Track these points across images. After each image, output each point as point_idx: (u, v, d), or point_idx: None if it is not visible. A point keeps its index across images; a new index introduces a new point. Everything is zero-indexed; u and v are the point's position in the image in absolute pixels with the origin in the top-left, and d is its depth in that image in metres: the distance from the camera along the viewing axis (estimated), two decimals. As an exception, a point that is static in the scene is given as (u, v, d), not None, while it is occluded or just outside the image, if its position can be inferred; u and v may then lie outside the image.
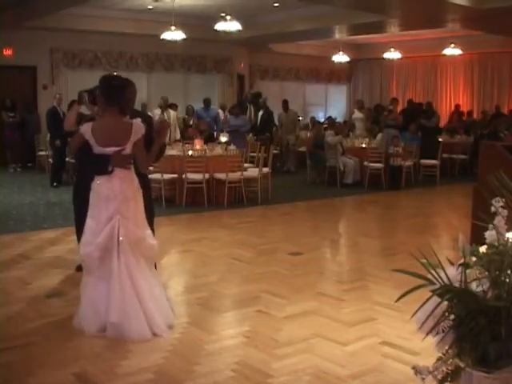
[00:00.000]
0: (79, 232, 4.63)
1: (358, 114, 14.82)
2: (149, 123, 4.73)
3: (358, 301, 5.04)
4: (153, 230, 4.64)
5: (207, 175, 9.53)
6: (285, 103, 14.62)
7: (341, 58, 17.24)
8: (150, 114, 11.76)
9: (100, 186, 4.23)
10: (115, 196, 4.18)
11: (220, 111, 14.60)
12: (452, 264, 2.28)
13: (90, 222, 4.27)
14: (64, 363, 3.78)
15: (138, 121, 4.34)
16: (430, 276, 2.22)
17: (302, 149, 14.12)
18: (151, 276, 4.34)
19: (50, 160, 12.37)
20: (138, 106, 12.27)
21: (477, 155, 6.72)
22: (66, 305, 4.85)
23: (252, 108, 15.02)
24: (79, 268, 5.86)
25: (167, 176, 9.46)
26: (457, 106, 17.29)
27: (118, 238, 4.15)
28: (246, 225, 8.36)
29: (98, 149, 4.22)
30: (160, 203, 9.04)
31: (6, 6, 11.98)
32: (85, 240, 4.28)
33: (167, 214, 8.64)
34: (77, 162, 5.65)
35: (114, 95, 4.27)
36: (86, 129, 4.26)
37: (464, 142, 14.34)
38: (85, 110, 5.12)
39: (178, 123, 13.01)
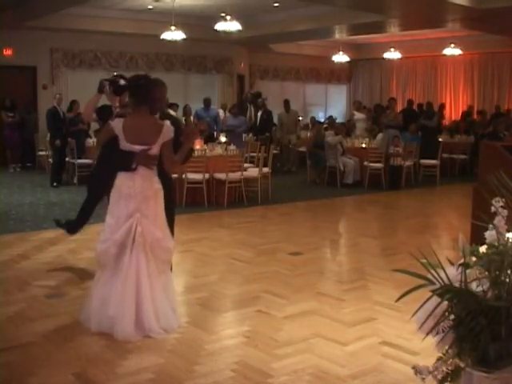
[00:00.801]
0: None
1: (358, 115, 14.83)
2: (177, 126, 4.72)
3: (358, 301, 5.04)
4: (172, 233, 4.63)
5: (207, 175, 9.53)
6: (286, 103, 14.62)
7: (341, 57, 17.24)
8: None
9: (122, 183, 4.26)
10: (136, 194, 4.21)
11: (221, 111, 14.60)
12: (452, 264, 2.28)
13: (109, 220, 4.31)
14: (64, 363, 3.79)
15: (167, 123, 4.36)
16: (429, 276, 2.22)
17: (302, 149, 14.14)
18: (160, 278, 4.31)
19: (50, 160, 12.37)
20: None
21: (477, 155, 6.73)
22: (66, 305, 4.85)
23: (252, 108, 15.02)
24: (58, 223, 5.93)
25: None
26: (470, 108, 17.13)
27: (135, 236, 4.18)
28: (246, 225, 8.36)
29: (125, 145, 4.23)
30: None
31: (6, 6, 11.97)
32: (103, 237, 4.31)
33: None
34: (99, 156, 5.64)
35: (142, 95, 4.30)
36: (116, 124, 4.26)
37: (464, 142, 14.35)
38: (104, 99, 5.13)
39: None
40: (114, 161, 4.36)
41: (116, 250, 4.21)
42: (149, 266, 4.22)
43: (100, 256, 4.31)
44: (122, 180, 4.26)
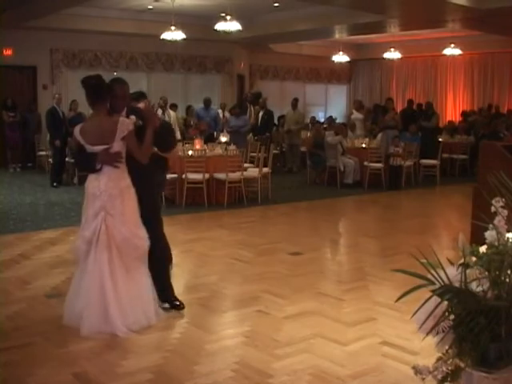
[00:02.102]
0: None
1: (356, 115, 14.82)
2: (141, 117, 4.71)
3: (358, 301, 5.04)
4: (154, 228, 4.57)
5: (207, 175, 9.53)
6: (294, 101, 14.78)
7: (341, 58, 17.24)
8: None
9: (88, 183, 4.40)
10: (100, 193, 4.29)
11: (219, 111, 14.59)
12: (452, 264, 2.28)
13: (82, 218, 4.46)
14: (64, 363, 3.79)
15: (121, 118, 4.38)
16: (430, 276, 2.22)
17: (303, 149, 14.14)
18: (131, 276, 4.32)
19: (50, 160, 12.37)
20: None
21: (477, 155, 6.72)
22: (66, 305, 4.85)
23: (252, 108, 15.02)
24: None
25: (167, 176, 9.44)
26: (490, 105, 17.02)
27: (99, 235, 4.26)
28: (246, 225, 8.36)
29: (88, 148, 4.35)
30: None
31: (6, 6, 11.97)
32: (79, 234, 4.49)
33: (167, 214, 8.59)
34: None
35: (94, 95, 4.35)
36: (76, 130, 4.40)
37: (464, 142, 14.34)
38: None
39: (178, 123, 13.00)
40: (80, 164, 4.57)
41: (85, 246, 4.33)
42: (113, 264, 4.26)
43: (73, 251, 4.55)
44: (90, 180, 4.41)
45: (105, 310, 4.20)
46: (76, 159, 4.91)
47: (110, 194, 4.28)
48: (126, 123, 4.33)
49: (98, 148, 4.29)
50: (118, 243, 4.28)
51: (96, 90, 4.34)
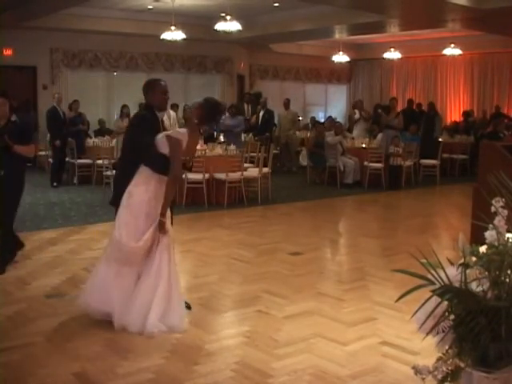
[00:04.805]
0: None
1: (358, 115, 14.81)
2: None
3: (358, 301, 5.04)
4: None
5: (207, 175, 9.53)
6: (287, 101, 14.75)
7: (341, 58, 17.23)
8: None
9: (150, 188, 4.47)
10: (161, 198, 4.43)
11: None
12: (452, 264, 2.28)
13: (132, 223, 4.45)
14: (64, 363, 3.79)
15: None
16: (430, 276, 2.22)
17: (298, 148, 14.21)
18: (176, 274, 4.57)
19: (50, 160, 12.37)
20: (135, 106, 12.34)
21: (477, 155, 6.72)
22: (65, 305, 4.85)
23: (250, 108, 15.01)
24: None
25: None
26: (497, 107, 16.98)
27: (159, 237, 4.38)
28: (246, 225, 8.36)
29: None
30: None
31: (6, 6, 11.97)
32: (135, 237, 4.44)
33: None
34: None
35: (213, 118, 4.73)
36: (182, 138, 4.46)
37: (464, 142, 14.35)
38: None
39: (178, 124, 12.99)
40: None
41: (144, 252, 4.42)
42: (170, 264, 4.43)
43: (128, 253, 4.43)
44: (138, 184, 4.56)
45: (150, 308, 4.27)
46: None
47: (161, 199, 4.42)
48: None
49: (183, 159, 4.56)
50: (172, 243, 4.53)
51: (220, 115, 4.83)
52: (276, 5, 13.29)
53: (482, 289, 2.15)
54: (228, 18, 11.39)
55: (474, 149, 12.86)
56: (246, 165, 10.46)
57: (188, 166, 4.89)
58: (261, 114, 14.17)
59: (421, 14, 12.14)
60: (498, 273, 2.13)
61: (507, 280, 2.13)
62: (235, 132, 12.47)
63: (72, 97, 13.52)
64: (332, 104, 21.79)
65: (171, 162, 4.35)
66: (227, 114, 13.52)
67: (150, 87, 4.71)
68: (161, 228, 4.34)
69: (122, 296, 4.34)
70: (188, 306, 4.70)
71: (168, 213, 4.46)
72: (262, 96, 14.89)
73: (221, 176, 9.61)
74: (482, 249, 2.23)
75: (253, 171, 10.28)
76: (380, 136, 12.51)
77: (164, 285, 4.33)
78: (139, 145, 4.51)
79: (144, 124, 4.62)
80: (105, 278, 4.43)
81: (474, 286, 2.17)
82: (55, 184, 11.52)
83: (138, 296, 4.29)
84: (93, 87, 15.81)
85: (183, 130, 4.55)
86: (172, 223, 4.61)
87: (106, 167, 10.85)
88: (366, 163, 11.86)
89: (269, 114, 14.17)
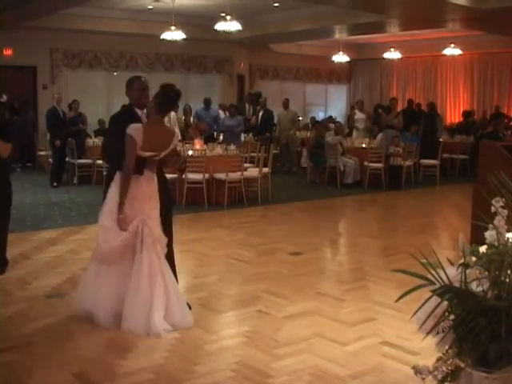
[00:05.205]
0: None
1: (359, 115, 14.82)
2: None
3: (358, 301, 5.04)
4: (171, 229, 4.74)
5: (207, 175, 9.53)
6: (286, 101, 14.73)
7: (341, 58, 17.23)
8: None
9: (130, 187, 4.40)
10: (142, 196, 4.36)
11: (220, 112, 14.54)
12: (452, 264, 2.28)
13: (111, 221, 4.42)
14: (64, 363, 3.78)
15: (176, 131, 4.76)
16: (430, 276, 2.22)
17: (298, 148, 14.22)
18: (170, 275, 4.49)
19: (50, 160, 12.37)
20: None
21: (477, 155, 6.72)
22: (66, 305, 4.84)
23: (251, 108, 15.00)
24: None
25: (167, 176, 9.44)
26: (497, 107, 16.97)
27: (142, 236, 4.31)
28: (246, 225, 8.36)
29: (139, 152, 4.34)
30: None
31: (6, 6, 11.97)
32: (107, 236, 4.43)
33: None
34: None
35: (169, 104, 4.50)
36: (136, 132, 4.29)
37: (464, 142, 14.34)
38: None
39: (178, 123, 13.00)
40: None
41: (126, 248, 4.36)
42: (160, 264, 4.36)
43: (104, 252, 4.44)
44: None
45: (151, 309, 4.24)
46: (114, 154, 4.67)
47: (149, 196, 4.38)
48: (177, 137, 4.61)
49: (148, 154, 4.33)
50: (158, 243, 4.41)
51: (174, 100, 4.49)
52: (276, 5, 13.29)
53: (481, 289, 2.15)
54: (228, 17, 11.39)
55: (474, 149, 12.85)
56: (246, 165, 10.46)
57: (179, 168, 4.84)
58: (260, 114, 14.17)
59: (421, 14, 12.14)
60: (497, 273, 2.13)
61: (507, 280, 2.14)
62: (235, 132, 12.48)
63: (72, 97, 13.51)
64: (332, 104, 21.79)
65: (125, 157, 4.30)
66: (227, 114, 13.54)
67: (129, 84, 4.67)
68: (120, 224, 4.27)
69: (103, 295, 4.35)
70: (188, 307, 4.70)
71: (156, 214, 4.41)
72: (261, 96, 14.88)
73: (221, 176, 9.61)
74: (482, 249, 2.23)
75: (253, 171, 10.28)
76: (380, 136, 12.51)
77: (160, 283, 4.30)
78: (107, 144, 4.56)
79: (112, 123, 4.69)
80: (89, 278, 4.53)
81: (474, 286, 2.17)
82: (55, 184, 11.52)
83: (136, 297, 4.27)
84: (93, 87, 15.82)
85: (138, 125, 4.36)
86: (166, 223, 4.54)
87: (106, 167, 10.83)
88: (365, 163, 11.86)
89: (268, 114, 14.17)
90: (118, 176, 4.40)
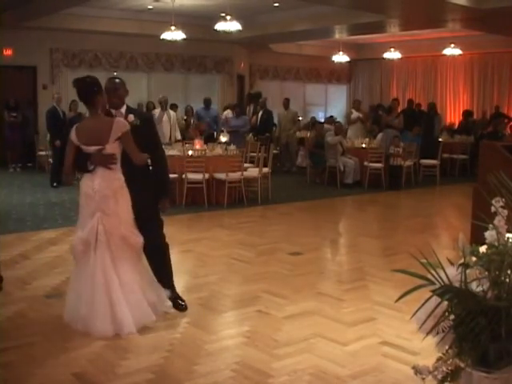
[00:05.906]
0: None
1: (356, 114, 14.81)
2: (146, 119, 4.79)
3: (358, 301, 5.04)
4: (155, 227, 4.69)
5: (207, 175, 9.53)
6: (286, 101, 14.73)
7: (341, 58, 17.22)
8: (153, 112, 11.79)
9: (82, 183, 4.40)
10: (94, 194, 4.28)
11: (229, 112, 14.37)
12: (452, 264, 2.28)
13: (79, 217, 4.48)
14: (64, 363, 3.79)
15: (120, 118, 4.39)
16: (430, 276, 2.22)
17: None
18: (134, 273, 4.36)
19: (50, 160, 12.36)
20: (135, 106, 12.33)
21: (477, 155, 6.72)
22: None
23: (251, 108, 15.00)
24: None
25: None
26: (497, 107, 16.94)
27: (97, 235, 4.25)
28: (246, 225, 8.36)
29: (83, 148, 4.32)
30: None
31: (6, 6, 11.97)
32: (76, 233, 4.47)
33: (167, 214, 8.60)
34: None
35: (84, 94, 4.33)
36: (72, 130, 4.37)
37: (464, 142, 14.34)
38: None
39: (178, 123, 13.00)
40: (78, 164, 4.46)
41: (82, 247, 4.33)
42: (116, 264, 4.27)
43: (71, 251, 4.53)
44: (84, 180, 4.41)
45: (112, 310, 4.18)
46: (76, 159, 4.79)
47: (104, 194, 4.27)
48: (121, 124, 4.30)
49: (93, 148, 4.26)
50: (117, 242, 4.29)
51: (85, 89, 4.30)
52: (276, 5, 13.29)
53: (481, 289, 2.15)
54: (228, 17, 11.38)
55: (474, 149, 12.86)
56: (246, 165, 10.46)
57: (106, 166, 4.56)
58: (260, 114, 14.17)
59: (421, 14, 12.14)
60: (497, 273, 2.13)
61: (507, 280, 2.14)
62: (241, 132, 12.51)
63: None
64: (332, 104, 21.78)
65: None
66: (233, 115, 13.52)
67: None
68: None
69: (74, 295, 4.37)
70: (182, 306, 4.70)
71: (122, 211, 4.33)
72: (261, 96, 14.88)
73: (221, 176, 9.61)
74: (482, 249, 2.23)
75: (253, 171, 10.28)
76: (380, 136, 12.51)
77: (115, 281, 4.21)
78: None
79: None
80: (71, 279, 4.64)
81: (474, 286, 2.17)
82: (55, 184, 11.51)
83: (95, 298, 4.20)
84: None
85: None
86: (142, 220, 4.47)
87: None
88: (365, 163, 11.86)
89: (267, 114, 14.16)
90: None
